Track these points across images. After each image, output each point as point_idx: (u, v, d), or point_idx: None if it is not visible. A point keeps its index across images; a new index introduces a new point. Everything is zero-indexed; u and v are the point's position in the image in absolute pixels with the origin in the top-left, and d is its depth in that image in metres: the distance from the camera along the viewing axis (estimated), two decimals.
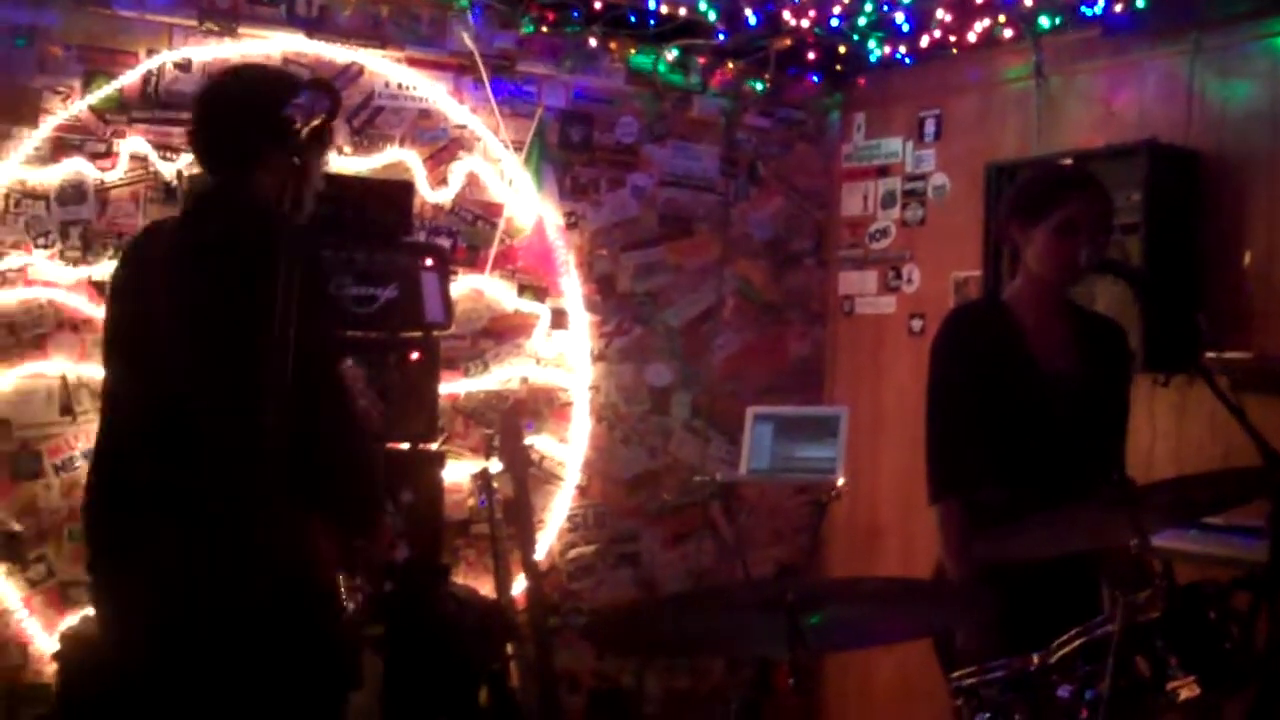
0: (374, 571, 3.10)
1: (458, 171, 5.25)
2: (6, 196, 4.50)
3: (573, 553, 5.56)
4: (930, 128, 5.75)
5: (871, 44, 5.56)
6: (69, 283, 4.59)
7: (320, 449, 2.71)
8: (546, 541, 5.41)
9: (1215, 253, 4.59)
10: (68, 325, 4.58)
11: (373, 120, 5.09)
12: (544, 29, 5.36)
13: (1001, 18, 5.12)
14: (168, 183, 4.73)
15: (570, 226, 5.54)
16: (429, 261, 4.60)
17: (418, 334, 4.49)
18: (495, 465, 4.58)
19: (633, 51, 5.61)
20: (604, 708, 5.54)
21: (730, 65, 5.81)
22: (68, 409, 4.58)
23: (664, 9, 5.31)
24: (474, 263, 5.30)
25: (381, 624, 3.54)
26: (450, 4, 5.21)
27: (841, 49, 5.65)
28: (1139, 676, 2.60)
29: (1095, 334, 3.52)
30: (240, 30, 4.84)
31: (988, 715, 2.73)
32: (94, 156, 4.63)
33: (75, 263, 4.60)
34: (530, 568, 4.51)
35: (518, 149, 5.34)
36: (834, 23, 5.35)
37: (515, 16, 5.30)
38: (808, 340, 6.19)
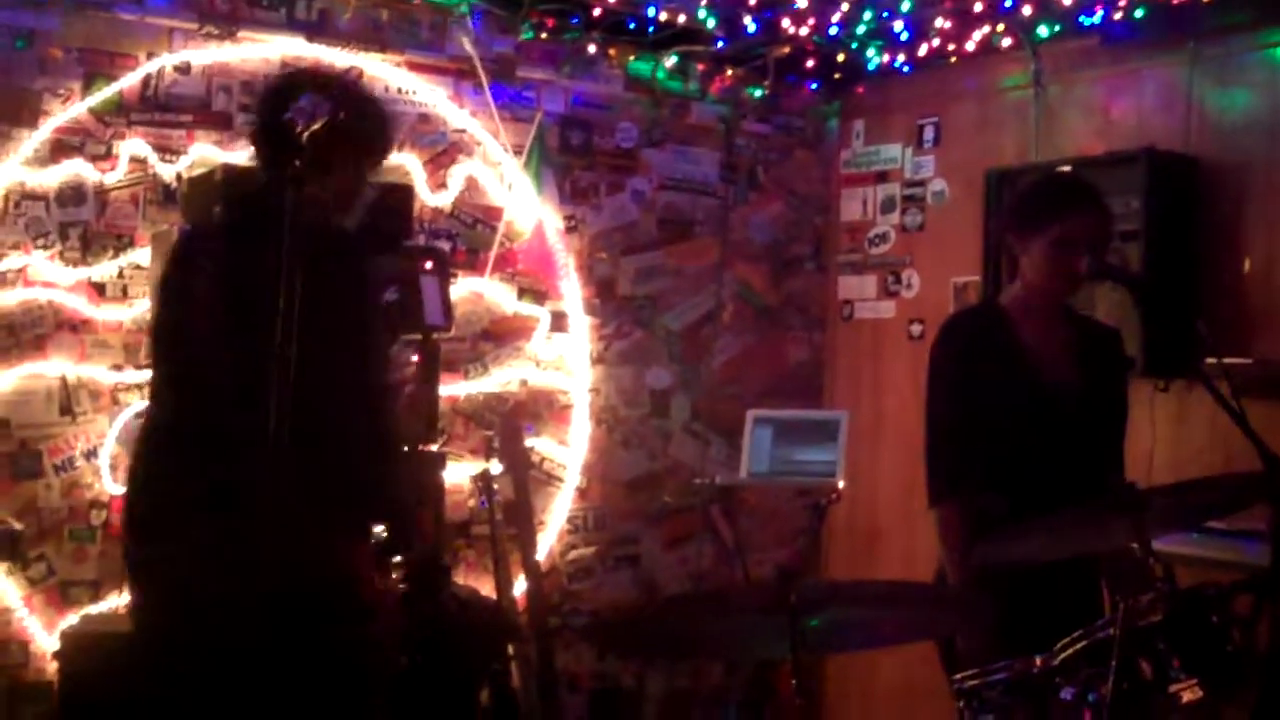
0: (411, 574, 3.10)
1: (457, 175, 5.26)
2: (6, 198, 4.50)
3: (573, 554, 5.56)
4: (929, 134, 5.77)
5: (870, 52, 5.57)
6: (68, 284, 4.59)
7: (352, 457, 2.72)
8: (547, 543, 5.41)
9: (1214, 259, 4.61)
10: (67, 326, 4.58)
11: None
12: (543, 35, 5.37)
13: (1000, 26, 5.14)
14: (167, 185, 4.73)
15: (570, 230, 5.55)
16: (429, 264, 4.59)
17: (418, 336, 4.49)
18: (495, 467, 4.59)
19: (632, 58, 5.62)
20: (604, 708, 5.55)
21: (729, 72, 5.82)
22: (67, 409, 4.58)
23: (663, 16, 5.32)
24: (474, 266, 5.31)
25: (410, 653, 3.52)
26: (450, 9, 5.22)
27: (840, 57, 5.66)
28: (1141, 679, 2.61)
29: (1092, 339, 3.53)
30: (240, 34, 4.84)
31: (990, 717, 2.74)
32: (94, 158, 4.63)
33: (75, 264, 4.60)
34: (531, 569, 4.51)
35: (517, 153, 5.35)
36: (833, 31, 5.36)
37: (515, 22, 5.31)
38: (807, 344, 6.20)
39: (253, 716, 2.46)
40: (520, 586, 4.67)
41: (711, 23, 5.38)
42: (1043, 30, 5.07)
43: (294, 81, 2.97)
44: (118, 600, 4.52)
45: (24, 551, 4.50)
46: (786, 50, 5.59)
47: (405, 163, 5.12)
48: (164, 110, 4.75)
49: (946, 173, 5.68)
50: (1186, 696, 2.57)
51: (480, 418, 5.26)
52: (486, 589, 4.81)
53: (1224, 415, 2.87)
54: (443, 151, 5.25)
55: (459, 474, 4.98)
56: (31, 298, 4.54)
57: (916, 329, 5.71)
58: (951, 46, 5.35)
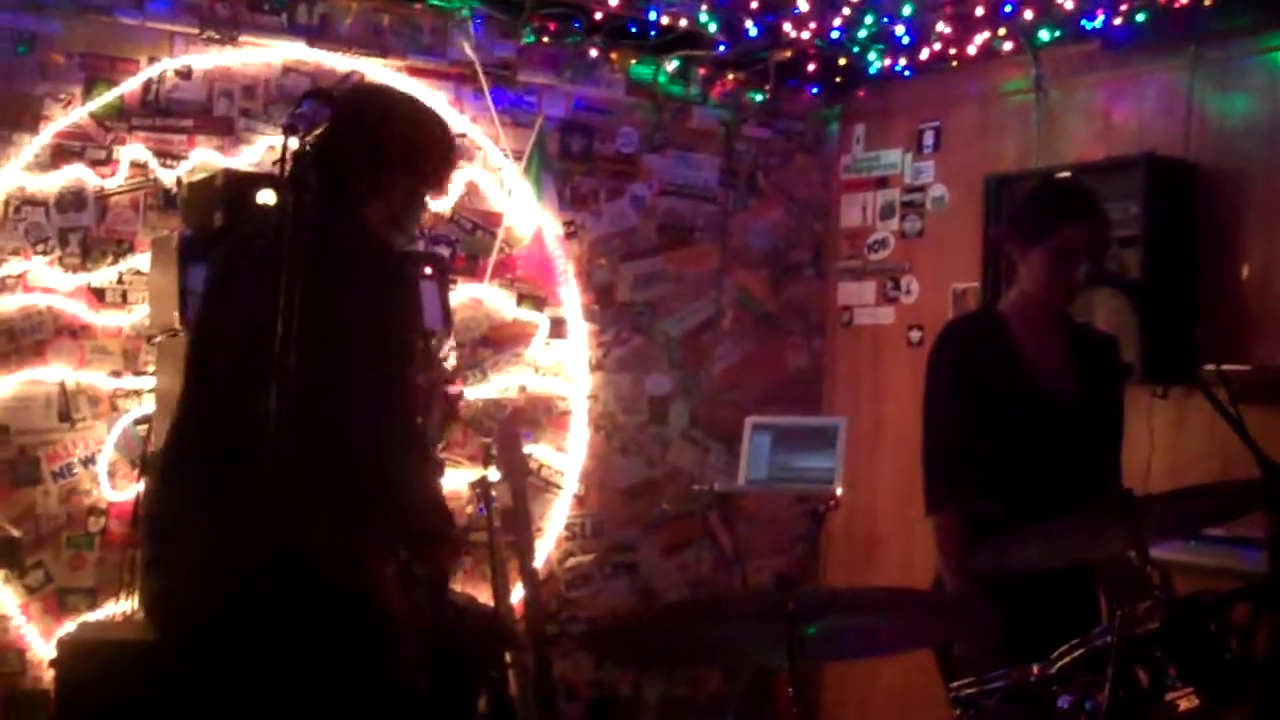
0: (436, 592, 3.09)
1: (457, 180, 5.25)
2: (6, 203, 4.51)
3: (571, 561, 5.56)
4: (929, 139, 5.77)
5: (871, 56, 5.57)
6: (68, 289, 4.59)
7: (373, 471, 2.71)
8: (545, 550, 5.41)
9: (1213, 265, 4.60)
10: (67, 332, 4.58)
11: None
12: (545, 39, 5.37)
13: (1001, 31, 5.13)
14: (168, 190, 4.73)
15: (569, 236, 5.54)
16: (428, 270, 4.58)
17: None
18: (494, 474, 4.58)
19: (633, 62, 5.63)
20: (602, 716, 5.54)
21: (730, 76, 5.82)
22: (66, 415, 4.58)
23: (665, 20, 5.32)
24: (473, 271, 5.31)
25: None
26: (451, 13, 5.22)
27: (841, 61, 5.66)
28: (1138, 687, 2.60)
29: (1090, 346, 3.53)
30: (241, 38, 4.85)
31: None
32: (94, 163, 4.63)
33: (74, 269, 4.61)
34: (528, 576, 4.51)
35: (517, 158, 5.35)
36: (834, 35, 5.36)
37: (516, 26, 5.31)
38: (806, 351, 6.20)
39: None
40: (518, 594, 4.66)
41: (713, 27, 5.38)
42: (1044, 35, 5.08)
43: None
44: (115, 608, 4.52)
45: (21, 559, 4.50)
46: (788, 54, 5.59)
47: None
48: (165, 115, 4.75)
49: (946, 178, 5.68)
50: (1183, 705, 2.56)
51: (479, 424, 5.25)
52: (484, 596, 4.80)
53: (1222, 422, 2.86)
54: None
55: (457, 480, 4.98)
56: (31, 303, 4.54)
57: (916, 335, 5.71)
58: (953, 51, 5.35)
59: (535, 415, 5.46)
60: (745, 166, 6.02)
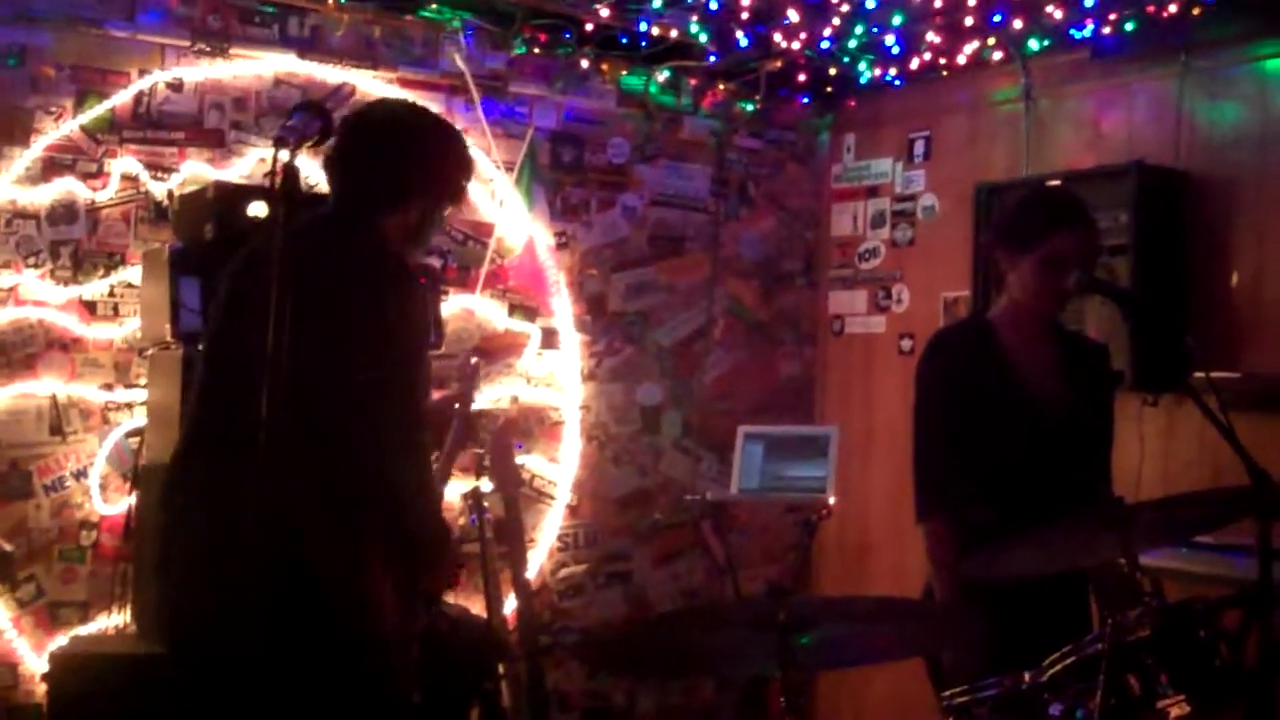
0: (430, 602, 3.08)
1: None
2: None
3: (563, 572, 5.56)
4: (920, 149, 5.78)
5: (862, 66, 5.58)
6: (59, 302, 4.59)
7: (370, 472, 2.71)
8: (537, 561, 5.41)
9: (1203, 273, 4.62)
10: (58, 345, 4.58)
11: None
12: (535, 50, 5.38)
13: (991, 40, 5.15)
14: (159, 202, 4.73)
15: (561, 246, 5.55)
16: (420, 281, 4.59)
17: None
18: (486, 484, 4.57)
19: (624, 73, 5.64)
20: None
21: (721, 86, 5.83)
22: (57, 429, 4.57)
23: (655, 31, 5.33)
24: (465, 282, 5.31)
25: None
26: (442, 25, 5.23)
27: (832, 71, 5.67)
28: (1130, 695, 2.61)
29: (1080, 354, 3.54)
30: (233, 51, 4.85)
31: None
32: (85, 176, 4.63)
33: (66, 282, 4.60)
34: (521, 587, 4.50)
35: (509, 169, 5.35)
36: (824, 45, 5.37)
37: (507, 38, 5.32)
38: (798, 360, 6.21)
39: None
40: (511, 605, 4.66)
41: (703, 37, 5.39)
42: (1033, 44, 5.09)
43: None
44: (107, 621, 4.51)
45: (13, 572, 4.49)
46: (778, 64, 5.60)
47: None
48: (156, 128, 4.75)
49: (937, 187, 5.69)
50: (1174, 712, 2.57)
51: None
52: (477, 607, 4.79)
53: (1212, 429, 2.87)
54: None
55: (450, 491, 4.97)
56: (22, 316, 4.53)
57: (907, 344, 5.72)
58: (942, 60, 5.36)
59: (527, 426, 5.46)
60: (736, 176, 6.03)
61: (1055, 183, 4.60)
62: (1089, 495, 3.07)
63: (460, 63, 5.24)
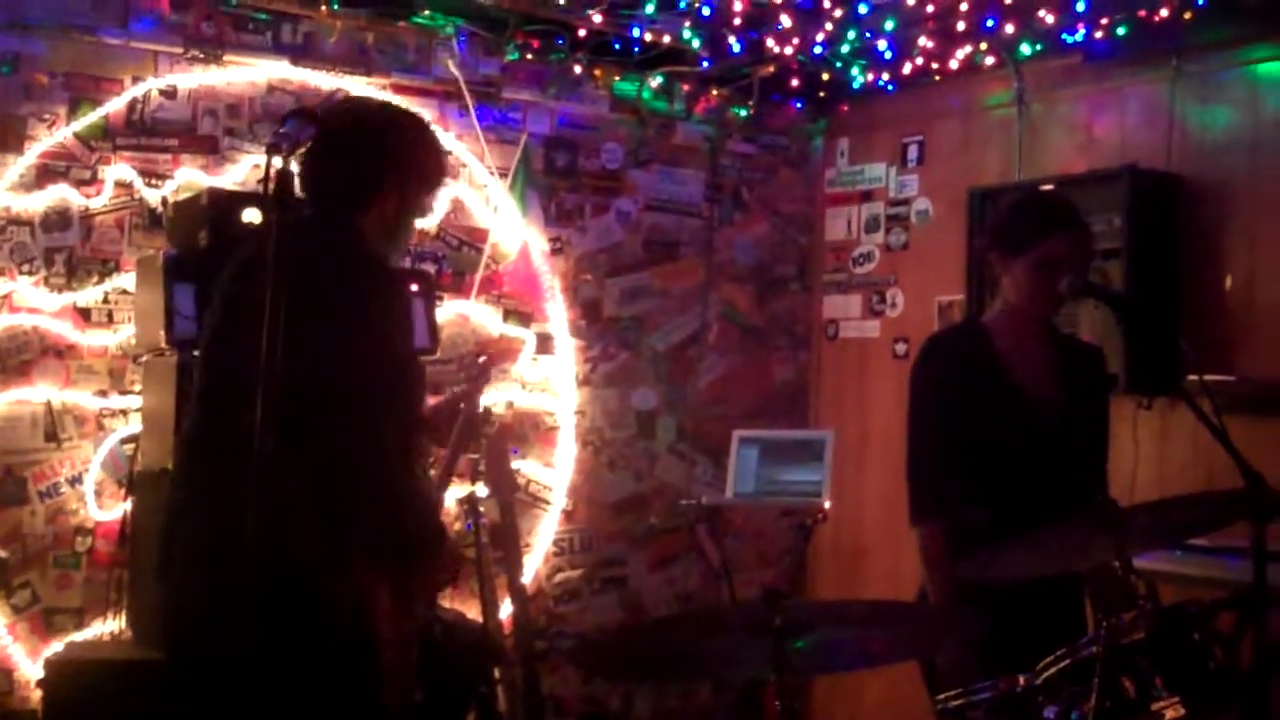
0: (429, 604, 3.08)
1: (443, 197, 5.26)
2: None
3: (559, 577, 5.56)
4: (913, 153, 5.79)
5: (854, 71, 5.59)
6: (53, 309, 4.59)
7: (360, 475, 2.71)
8: (533, 566, 5.41)
9: (1196, 277, 4.63)
10: (52, 352, 4.58)
11: None
12: (529, 56, 5.38)
13: (983, 45, 5.16)
14: (153, 209, 4.73)
15: (555, 252, 5.56)
16: (415, 287, 4.59)
17: None
18: (481, 490, 4.57)
19: (617, 78, 5.65)
20: None
21: (714, 92, 5.84)
22: (52, 435, 4.57)
23: (648, 37, 5.33)
24: (459, 288, 5.32)
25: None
26: (435, 31, 5.23)
27: (825, 76, 5.68)
28: (1124, 697, 2.61)
29: (1074, 358, 3.54)
30: (226, 58, 4.85)
31: None
32: (79, 183, 4.63)
33: (60, 289, 4.60)
34: (517, 592, 4.50)
35: (503, 175, 5.36)
36: (817, 50, 5.38)
37: (500, 44, 5.33)
38: (792, 364, 6.21)
39: None
40: (506, 609, 4.66)
41: (696, 43, 5.39)
42: (1025, 49, 5.10)
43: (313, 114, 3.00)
44: (102, 627, 4.51)
45: (8, 579, 4.49)
46: (771, 70, 5.61)
47: None
48: (149, 135, 4.76)
49: (930, 191, 5.71)
50: (1169, 715, 2.57)
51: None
52: (472, 612, 4.79)
53: (1206, 432, 2.87)
54: None
55: (445, 497, 4.97)
56: (17, 323, 4.53)
57: (901, 348, 5.73)
58: (935, 65, 5.37)
59: (523, 431, 5.47)
60: (730, 181, 6.04)
61: (1048, 187, 4.60)
62: (1084, 498, 3.07)
63: (453, 69, 5.24)
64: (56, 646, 4.45)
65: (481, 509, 4.48)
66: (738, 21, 5.21)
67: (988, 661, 2.88)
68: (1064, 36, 4.92)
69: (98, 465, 4.61)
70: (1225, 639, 2.71)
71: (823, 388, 6.20)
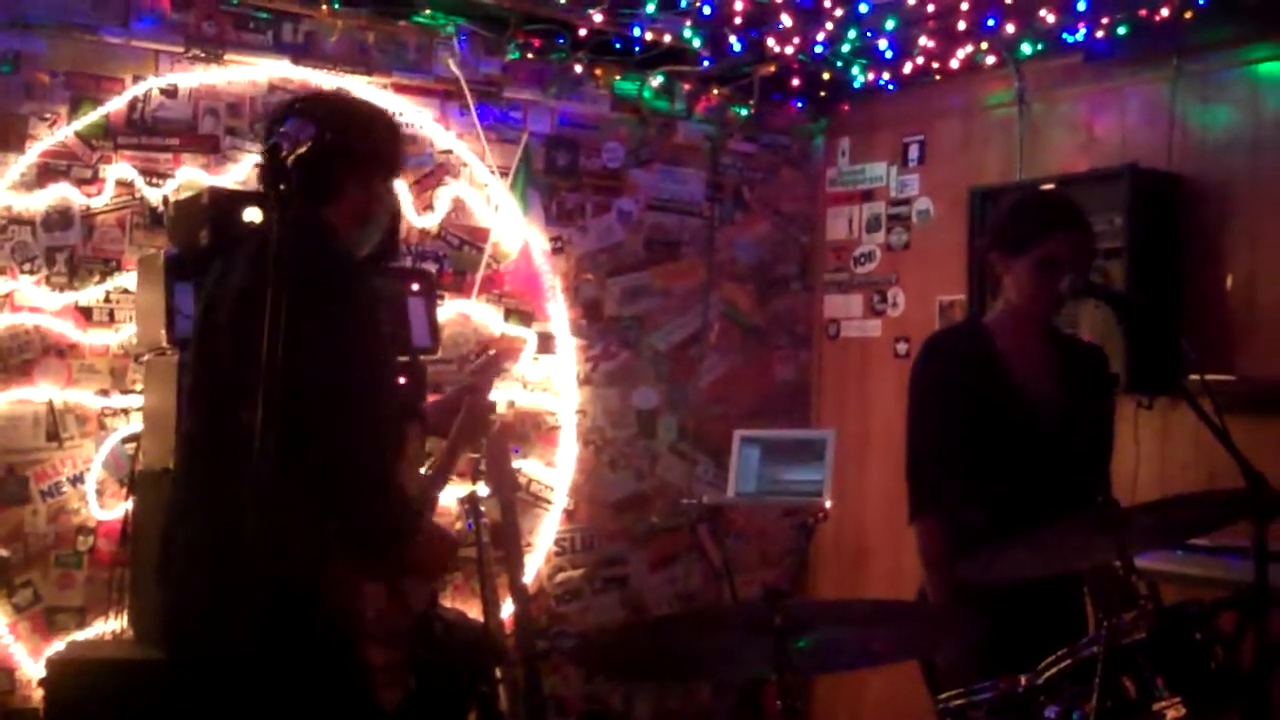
0: (421, 599, 3.07)
1: (444, 197, 5.27)
2: None
3: (560, 576, 5.56)
4: (914, 153, 5.79)
5: (855, 70, 5.59)
6: (55, 308, 4.59)
7: (342, 472, 2.71)
8: (534, 565, 5.41)
9: (1197, 276, 4.63)
10: (54, 351, 4.58)
11: None
12: (530, 55, 5.38)
13: (984, 45, 5.16)
14: (154, 208, 4.73)
15: (556, 251, 5.56)
16: (415, 286, 4.60)
17: (405, 359, 4.49)
18: (482, 489, 4.57)
19: (618, 78, 5.65)
20: None
21: (715, 91, 5.84)
22: (54, 434, 4.57)
23: (649, 36, 5.33)
24: (460, 287, 5.32)
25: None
26: (436, 31, 5.23)
27: (825, 75, 5.68)
28: (1125, 697, 2.61)
29: (1076, 357, 3.53)
30: (227, 57, 4.86)
31: None
32: (80, 182, 4.63)
33: (61, 288, 4.60)
34: (518, 591, 4.50)
35: (503, 174, 5.36)
36: (818, 49, 5.38)
37: (501, 43, 5.33)
38: (794, 364, 6.21)
39: None
40: (508, 609, 4.66)
41: (697, 42, 5.39)
42: (1026, 48, 5.10)
43: (283, 109, 2.97)
44: (104, 627, 4.51)
45: (10, 578, 4.49)
46: (772, 69, 5.61)
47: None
48: (150, 134, 4.76)
49: (931, 191, 5.71)
50: (1170, 715, 2.57)
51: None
52: (474, 612, 4.79)
53: (1207, 432, 2.87)
54: (429, 173, 5.27)
55: (446, 496, 4.97)
56: (18, 323, 4.54)
57: (902, 348, 5.73)
58: (936, 65, 5.37)
59: (524, 430, 5.47)
60: (731, 181, 6.04)
61: (1049, 186, 4.60)
62: (1084, 498, 3.07)
63: (454, 68, 5.24)
64: (58, 646, 4.45)
65: (483, 508, 4.48)
66: (738, 21, 5.21)
67: (989, 661, 2.88)
68: (1065, 36, 4.92)
69: (99, 464, 4.61)
70: (1226, 639, 2.71)
71: (824, 387, 6.20)
